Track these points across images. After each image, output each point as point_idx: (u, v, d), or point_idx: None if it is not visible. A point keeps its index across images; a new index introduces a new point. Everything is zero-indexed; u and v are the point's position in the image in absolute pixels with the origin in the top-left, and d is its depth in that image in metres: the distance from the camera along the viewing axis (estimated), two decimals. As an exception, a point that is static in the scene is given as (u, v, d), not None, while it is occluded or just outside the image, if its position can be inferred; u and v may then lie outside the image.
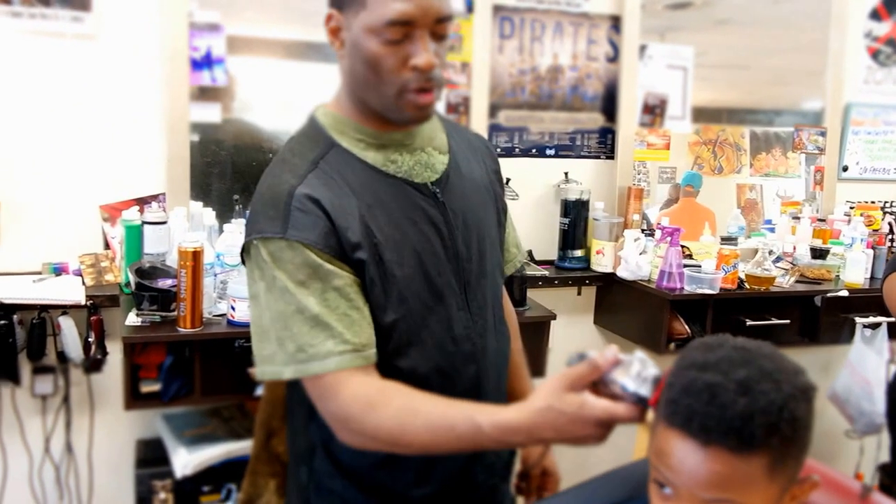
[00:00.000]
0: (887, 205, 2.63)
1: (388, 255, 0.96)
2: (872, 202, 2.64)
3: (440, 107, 2.18)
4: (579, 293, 2.32)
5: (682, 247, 2.13)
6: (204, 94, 2.00)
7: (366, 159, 0.99)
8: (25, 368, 1.84)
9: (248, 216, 0.99)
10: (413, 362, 0.99)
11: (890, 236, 2.51)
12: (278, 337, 0.93)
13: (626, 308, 2.22)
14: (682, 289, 2.02)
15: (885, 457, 2.53)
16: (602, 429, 0.82)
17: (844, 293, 2.17)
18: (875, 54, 2.66)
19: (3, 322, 1.66)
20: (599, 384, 0.83)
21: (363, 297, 0.95)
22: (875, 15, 2.64)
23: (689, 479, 0.72)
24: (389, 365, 0.98)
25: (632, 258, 2.12)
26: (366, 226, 0.95)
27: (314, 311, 0.91)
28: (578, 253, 2.24)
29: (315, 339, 0.91)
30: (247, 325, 1.57)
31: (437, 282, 1.00)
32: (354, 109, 1.00)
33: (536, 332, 1.98)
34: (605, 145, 2.37)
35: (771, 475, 0.72)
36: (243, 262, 1.00)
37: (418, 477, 1.03)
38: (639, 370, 0.81)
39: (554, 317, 2.00)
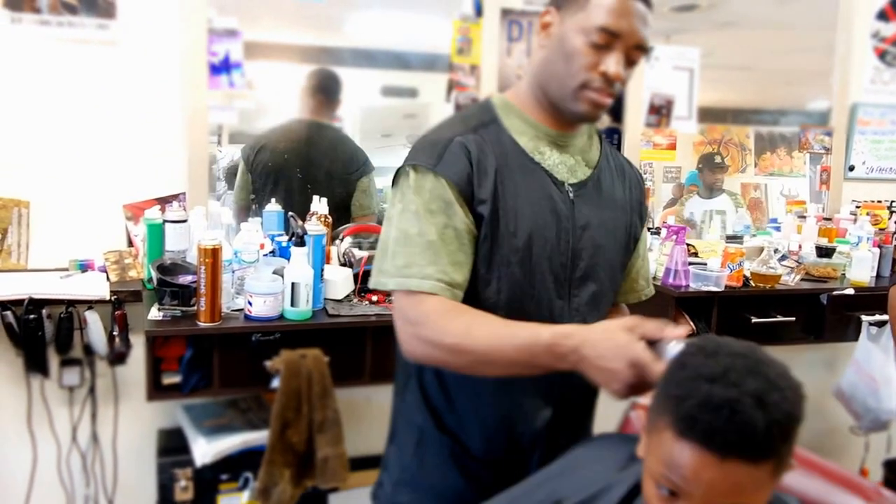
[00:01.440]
0: (894, 204, 2.62)
1: (504, 221, 1.05)
2: (879, 201, 2.64)
3: (450, 108, 2.23)
4: (586, 290, 2.35)
5: (688, 245, 2.15)
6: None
7: (518, 142, 1.09)
8: (53, 361, 1.89)
9: (407, 155, 1.10)
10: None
11: (897, 235, 2.50)
12: (394, 252, 1.04)
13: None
14: (688, 286, 2.02)
15: (893, 453, 2.54)
16: (632, 370, 0.87)
17: (850, 291, 2.16)
18: (882, 55, 2.66)
19: (32, 316, 1.71)
20: (652, 349, 0.89)
21: (473, 247, 1.05)
22: (882, 16, 2.64)
23: (707, 489, 0.73)
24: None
25: (637, 256, 2.14)
26: (495, 189, 1.05)
27: (431, 237, 1.03)
28: (585, 251, 2.27)
29: (423, 260, 1.02)
30: (262, 321, 1.65)
31: (542, 263, 1.07)
32: (529, 100, 1.11)
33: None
34: (612, 145, 2.39)
35: (776, 473, 0.75)
36: (393, 185, 1.10)
37: (484, 436, 1.12)
38: None
39: (560, 313, 2.04)
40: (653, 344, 0.90)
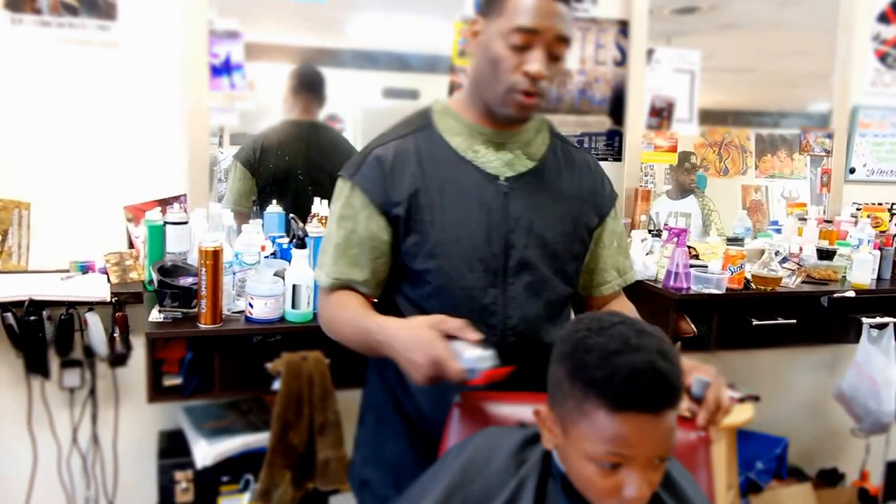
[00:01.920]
0: (894, 206, 2.62)
1: (427, 217, 1.13)
2: (879, 204, 2.64)
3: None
4: (587, 292, 2.35)
5: (689, 247, 2.15)
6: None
7: (451, 143, 1.16)
8: (54, 362, 1.89)
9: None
10: (441, 312, 1.08)
11: (898, 238, 2.50)
12: (322, 251, 1.21)
13: (636, 304, 2.23)
14: (689, 289, 2.02)
15: (893, 455, 2.54)
16: (430, 366, 0.96)
17: (851, 294, 2.16)
18: (883, 57, 2.66)
19: (32, 318, 1.71)
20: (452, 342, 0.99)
21: (380, 252, 1.16)
22: (883, 18, 2.64)
23: (652, 447, 0.80)
24: (422, 308, 1.14)
25: (639, 258, 2.13)
26: (416, 189, 1.13)
27: (338, 241, 1.17)
28: (586, 253, 2.26)
29: (329, 260, 1.18)
30: (263, 323, 1.65)
31: (470, 255, 1.12)
32: (466, 103, 1.18)
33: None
34: (613, 147, 2.41)
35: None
36: None
37: (430, 417, 1.16)
38: (481, 354, 0.97)
39: (561, 315, 2.04)
40: (454, 338, 0.99)
